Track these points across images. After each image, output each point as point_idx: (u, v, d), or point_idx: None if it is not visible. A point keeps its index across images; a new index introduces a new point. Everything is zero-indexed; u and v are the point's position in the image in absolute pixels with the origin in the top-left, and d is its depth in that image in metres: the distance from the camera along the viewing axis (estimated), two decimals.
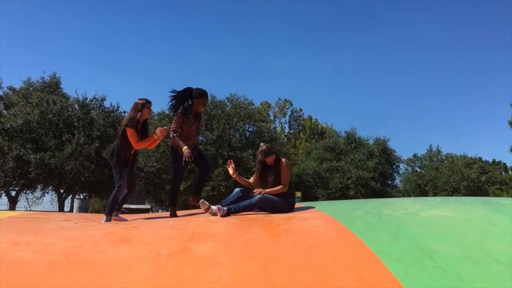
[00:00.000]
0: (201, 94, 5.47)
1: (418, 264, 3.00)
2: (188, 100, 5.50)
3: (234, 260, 2.99)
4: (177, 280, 2.66)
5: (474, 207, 4.31)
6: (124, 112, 29.43)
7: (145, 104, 5.32)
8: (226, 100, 28.47)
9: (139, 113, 5.23)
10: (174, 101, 5.46)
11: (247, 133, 28.55)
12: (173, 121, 5.45)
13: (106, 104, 27.78)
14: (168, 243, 3.30)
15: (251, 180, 5.23)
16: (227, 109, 27.37)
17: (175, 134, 5.35)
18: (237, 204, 4.77)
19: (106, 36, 79.90)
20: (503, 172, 42.10)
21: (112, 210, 5.17)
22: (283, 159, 5.08)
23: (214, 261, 2.92)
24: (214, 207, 4.72)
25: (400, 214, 4.16)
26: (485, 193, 31.60)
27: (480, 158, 45.44)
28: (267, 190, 4.86)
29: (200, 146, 25.44)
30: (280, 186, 4.91)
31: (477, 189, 36.29)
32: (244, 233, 3.70)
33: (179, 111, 5.49)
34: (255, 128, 28.54)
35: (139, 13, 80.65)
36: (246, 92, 57.02)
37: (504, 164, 48.72)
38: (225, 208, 4.66)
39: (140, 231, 3.86)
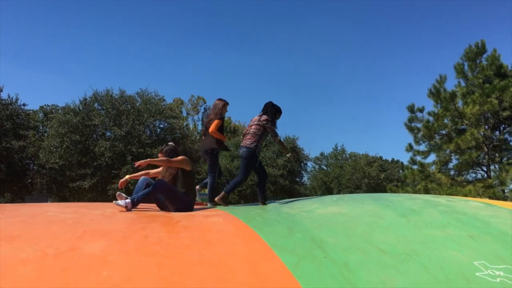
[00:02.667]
0: (281, 110, 6.55)
1: (309, 255, 3.13)
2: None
3: (126, 258, 2.89)
4: (63, 282, 2.50)
5: (365, 204, 4.61)
6: (24, 104, 27.48)
7: (226, 105, 6.49)
8: (136, 95, 27.68)
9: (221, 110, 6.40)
10: (273, 115, 6.34)
11: (158, 129, 27.98)
12: (272, 127, 6.20)
13: (3, 95, 25.78)
14: (56, 242, 3.10)
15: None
16: (137, 104, 26.60)
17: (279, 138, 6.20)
18: (139, 193, 4.70)
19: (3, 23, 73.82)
20: (400, 170, 45.31)
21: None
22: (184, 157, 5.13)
23: (104, 260, 2.79)
24: (121, 202, 4.55)
25: (297, 211, 4.32)
26: (384, 190, 33.84)
27: (380, 157, 48.65)
28: (148, 159, 4.87)
29: (108, 142, 24.49)
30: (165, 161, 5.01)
31: (376, 186, 38.85)
32: (140, 229, 3.59)
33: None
34: (166, 124, 28.05)
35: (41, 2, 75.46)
36: (158, 88, 55.91)
37: (402, 162, 52.48)
38: (128, 200, 4.54)
39: (27, 228, 3.59)
